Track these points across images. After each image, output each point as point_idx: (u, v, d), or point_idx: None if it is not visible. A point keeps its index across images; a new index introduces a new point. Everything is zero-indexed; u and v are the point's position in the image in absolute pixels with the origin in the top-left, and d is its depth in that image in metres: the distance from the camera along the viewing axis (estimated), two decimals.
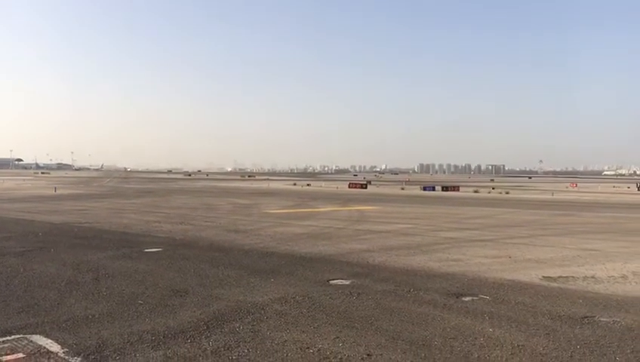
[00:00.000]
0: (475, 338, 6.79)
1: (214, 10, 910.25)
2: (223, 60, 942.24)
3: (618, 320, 7.74)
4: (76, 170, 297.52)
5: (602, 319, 7.79)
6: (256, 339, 6.69)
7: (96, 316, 7.67)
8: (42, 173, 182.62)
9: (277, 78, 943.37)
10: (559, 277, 11.05)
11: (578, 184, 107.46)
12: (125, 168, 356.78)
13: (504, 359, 6.10)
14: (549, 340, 6.75)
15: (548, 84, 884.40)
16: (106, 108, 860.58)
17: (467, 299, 9.00)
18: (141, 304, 8.41)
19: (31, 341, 6.57)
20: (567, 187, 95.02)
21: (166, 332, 6.94)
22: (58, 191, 51.11)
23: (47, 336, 6.72)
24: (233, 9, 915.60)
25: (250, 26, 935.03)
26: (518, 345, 6.54)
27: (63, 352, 6.20)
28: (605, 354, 6.24)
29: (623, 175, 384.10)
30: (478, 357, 6.16)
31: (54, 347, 6.35)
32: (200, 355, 6.12)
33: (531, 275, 11.21)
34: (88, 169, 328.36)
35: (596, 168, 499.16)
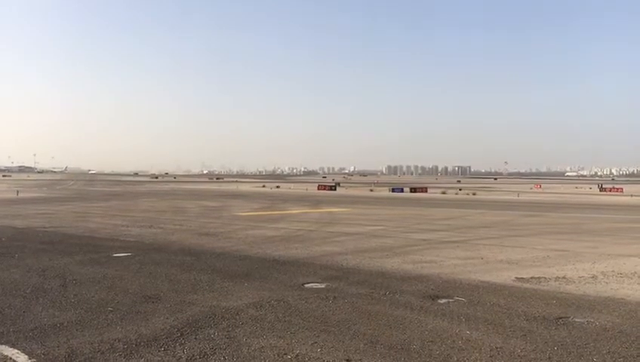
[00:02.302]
0: (454, 341, 6.76)
1: (196, 6, 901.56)
2: (193, 60, 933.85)
3: (592, 320, 7.82)
4: (39, 172, 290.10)
5: (577, 319, 7.86)
6: (232, 346, 6.53)
7: (65, 324, 7.40)
8: (3, 175, 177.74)
9: (247, 80, 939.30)
10: (532, 278, 11.15)
11: (542, 185, 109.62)
12: (89, 170, 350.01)
13: None
14: (526, 342, 6.76)
15: (512, 87, 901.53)
16: (70, 110, 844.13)
17: (443, 301, 8.99)
18: (111, 311, 8.15)
19: None
20: (531, 188, 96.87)
21: (138, 340, 6.72)
22: (21, 195, 49.79)
23: (14, 346, 6.44)
24: (210, 6, 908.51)
25: (226, 24, 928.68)
26: (496, 347, 6.53)
27: None
28: (582, 355, 6.27)
29: (585, 176, 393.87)
30: (457, 360, 6.13)
31: (21, 357, 6.09)
32: None
33: (504, 276, 11.29)
34: (51, 172, 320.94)
35: (559, 169, 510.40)
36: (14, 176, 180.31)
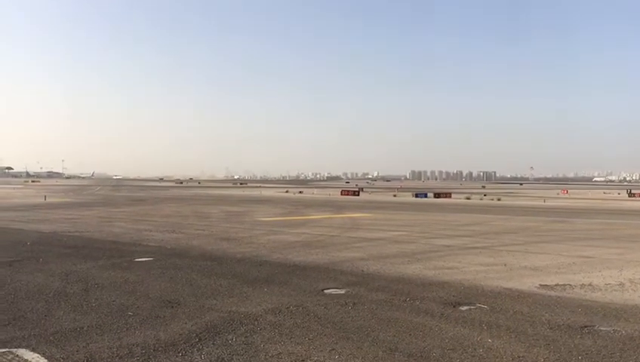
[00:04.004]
0: (474, 350, 6.63)
1: (210, 13, 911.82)
2: (218, 66, 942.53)
3: (618, 329, 7.61)
4: (67, 178, 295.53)
5: (602, 328, 7.65)
6: (250, 352, 6.50)
7: (85, 328, 7.45)
8: (32, 181, 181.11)
9: (272, 85, 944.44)
10: (556, 285, 10.93)
11: (569, 190, 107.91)
12: (115, 176, 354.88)
13: None
14: (550, 351, 6.60)
15: (538, 91, 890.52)
16: (98, 116, 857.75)
17: (464, 308, 8.84)
18: (131, 315, 8.19)
19: (17, 355, 6.35)
20: (558, 193, 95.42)
21: (156, 344, 6.73)
22: (48, 200, 50.65)
23: (34, 350, 6.50)
24: (230, 12, 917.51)
25: (245, 31, 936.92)
26: (519, 356, 6.39)
27: None
28: None
29: (613, 181, 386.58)
30: None
31: (41, 361, 6.14)
32: None
33: (528, 283, 11.08)
34: (79, 177, 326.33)
35: (586, 174, 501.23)
36: (43, 181, 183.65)
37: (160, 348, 6.59)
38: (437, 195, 71.98)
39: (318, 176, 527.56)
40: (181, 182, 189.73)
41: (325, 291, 10.13)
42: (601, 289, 10.52)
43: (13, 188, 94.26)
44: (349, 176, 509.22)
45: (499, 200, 62.87)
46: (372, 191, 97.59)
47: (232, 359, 6.24)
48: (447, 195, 72.43)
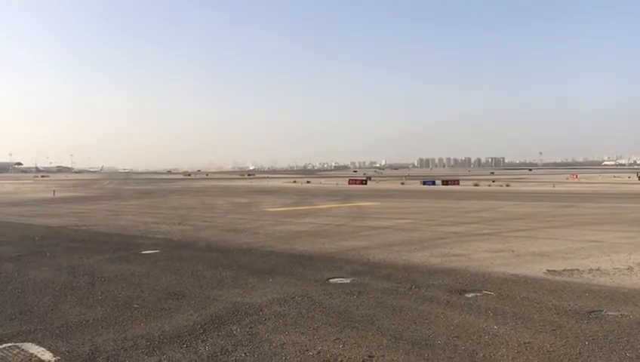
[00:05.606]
0: (480, 337, 6.59)
1: (213, 7, 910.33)
2: (223, 58, 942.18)
3: (626, 313, 7.54)
4: (76, 172, 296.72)
5: (610, 313, 7.58)
6: (254, 342, 6.49)
7: (91, 321, 7.48)
8: (42, 176, 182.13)
9: (276, 75, 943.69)
10: (564, 270, 10.85)
11: (578, 175, 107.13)
12: (123, 169, 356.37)
13: (510, 357, 5.90)
14: (556, 337, 6.55)
15: (546, 76, 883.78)
16: (106, 109, 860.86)
17: (470, 295, 8.79)
18: (136, 308, 8.21)
19: (22, 349, 6.37)
20: (567, 178, 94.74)
21: (161, 336, 6.74)
22: (57, 195, 50.90)
23: (40, 344, 6.53)
24: (232, 5, 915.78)
25: (249, 23, 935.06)
26: (525, 343, 6.34)
27: (55, 360, 6.01)
28: (615, 350, 6.04)
29: (623, 165, 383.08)
30: (484, 356, 5.96)
31: (46, 355, 6.16)
32: (195, 361, 5.93)
33: (535, 269, 11.00)
34: (88, 171, 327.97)
35: (596, 158, 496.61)
36: (52, 176, 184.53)
37: (165, 340, 6.60)
38: (445, 182, 71.58)
39: (325, 165, 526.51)
40: (189, 175, 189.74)
41: (330, 280, 10.11)
42: (609, 274, 10.44)
43: (23, 184, 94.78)
44: (357, 165, 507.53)
45: (507, 186, 62.56)
46: (380, 180, 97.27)
47: (236, 350, 6.24)
48: (455, 182, 72.00)
